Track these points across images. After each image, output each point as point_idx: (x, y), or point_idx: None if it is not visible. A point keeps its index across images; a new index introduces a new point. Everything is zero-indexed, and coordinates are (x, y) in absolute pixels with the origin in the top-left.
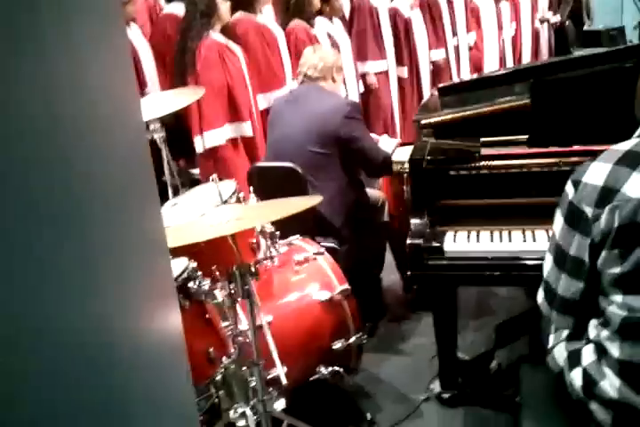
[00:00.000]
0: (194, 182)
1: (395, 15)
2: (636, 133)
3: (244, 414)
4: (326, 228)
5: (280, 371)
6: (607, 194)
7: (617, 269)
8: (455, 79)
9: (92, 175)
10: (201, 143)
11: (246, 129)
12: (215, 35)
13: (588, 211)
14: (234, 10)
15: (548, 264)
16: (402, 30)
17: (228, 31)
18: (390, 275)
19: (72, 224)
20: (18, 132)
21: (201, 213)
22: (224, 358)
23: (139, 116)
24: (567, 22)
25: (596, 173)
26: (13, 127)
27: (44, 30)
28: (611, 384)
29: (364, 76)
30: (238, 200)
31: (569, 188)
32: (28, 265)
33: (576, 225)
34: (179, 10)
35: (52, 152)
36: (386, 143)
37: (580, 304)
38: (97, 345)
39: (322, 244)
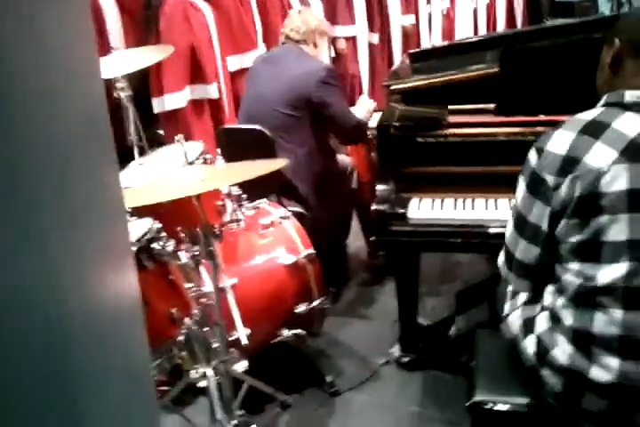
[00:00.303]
0: (162, 143)
1: None
2: (600, 103)
3: (205, 375)
4: (292, 193)
5: (241, 332)
6: (569, 163)
7: (575, 238)
8: (426, 46)
9: (45, 132)
10: (160, 105)
11: (211, 91)
12: None
13: (550, 179)
14: None
15: (509, 228)
16: None
17: None
18: (356, 241)
19: (24, 182)
20: None
21: (167, 173)
22: (187, 319)
23: (97, 73)
24: None
25: (560, 142)
26: None
27: None
28: (562, 351)
29: (334, 41)
30: (205, 162)
31: (532, 155)
32: None
33: (537, 192)
34: None
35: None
36: (363, 105)
37: (536, 269)
38: (48, 302)
39: (289, 208)
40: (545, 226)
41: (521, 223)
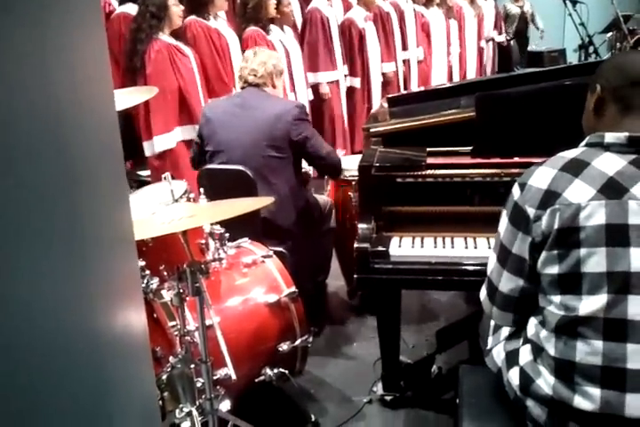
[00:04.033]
0: (141, 184)
1: (350, 26)
2: (582, 143)
3: (189, 414)
4: (273, 232)
5: (229, 366)
6: (549, 197)
7: (555, 270)
8: (403, 92)
9: (65, 167)
10: (150, 148)
11: None
12: (164, 37)
13: (531, 212)
14: (187, 13)
15: (491, 262)
16: (356, 41)
17: (178, 34)
18: (335, 281)
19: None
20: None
21: (152, 210)
22: (171, 358)
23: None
24: (512, 42)
25: (542, 177)
26: None
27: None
28: (545, 382)
29: (314, 86)
30: (189, 200)
31: (515, 189)
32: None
33: (519, 225)
34: (132, 10)
35: (29, 142)
36: None
37: (519, 301)
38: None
39: (270, 248)
40: (527, 257)
41: (504, 255)
